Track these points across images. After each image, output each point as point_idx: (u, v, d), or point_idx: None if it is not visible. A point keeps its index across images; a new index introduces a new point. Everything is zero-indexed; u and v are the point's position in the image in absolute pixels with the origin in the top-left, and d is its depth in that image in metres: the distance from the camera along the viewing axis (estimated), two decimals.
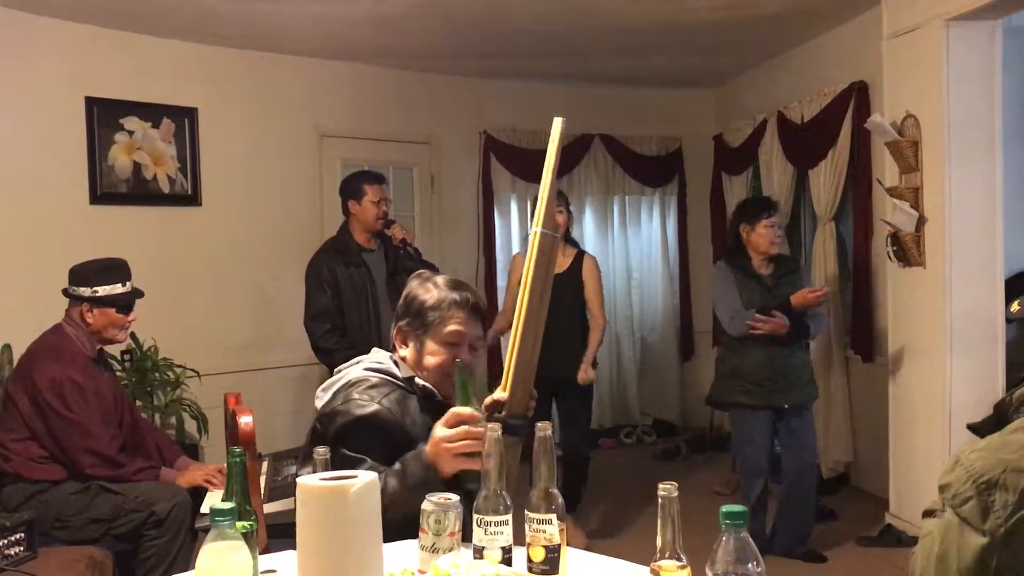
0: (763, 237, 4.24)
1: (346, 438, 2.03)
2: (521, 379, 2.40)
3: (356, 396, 2.10)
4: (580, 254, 4.73)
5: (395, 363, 2.24)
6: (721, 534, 1.28)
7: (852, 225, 5.37)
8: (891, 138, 4.42)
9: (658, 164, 7.17)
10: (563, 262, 4.59)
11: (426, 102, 6.35)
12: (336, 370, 2.32)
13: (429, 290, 2.22)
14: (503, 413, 2.33)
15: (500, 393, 2.36)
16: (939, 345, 4.26)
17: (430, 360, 2.18)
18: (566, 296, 4.53)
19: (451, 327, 2.18)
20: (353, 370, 2.24)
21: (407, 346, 2.23)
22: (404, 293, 2.27)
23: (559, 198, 4.59)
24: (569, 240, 4.72)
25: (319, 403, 2.25)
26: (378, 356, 2.28)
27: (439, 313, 2.18)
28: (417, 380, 2.19)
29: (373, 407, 2.06)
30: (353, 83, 6.02)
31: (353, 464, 1.94)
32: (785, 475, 4.29)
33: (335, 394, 2.19)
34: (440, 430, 1.94)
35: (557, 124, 2.45)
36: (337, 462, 1.99)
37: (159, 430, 4.17)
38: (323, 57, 5.81)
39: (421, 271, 2.33)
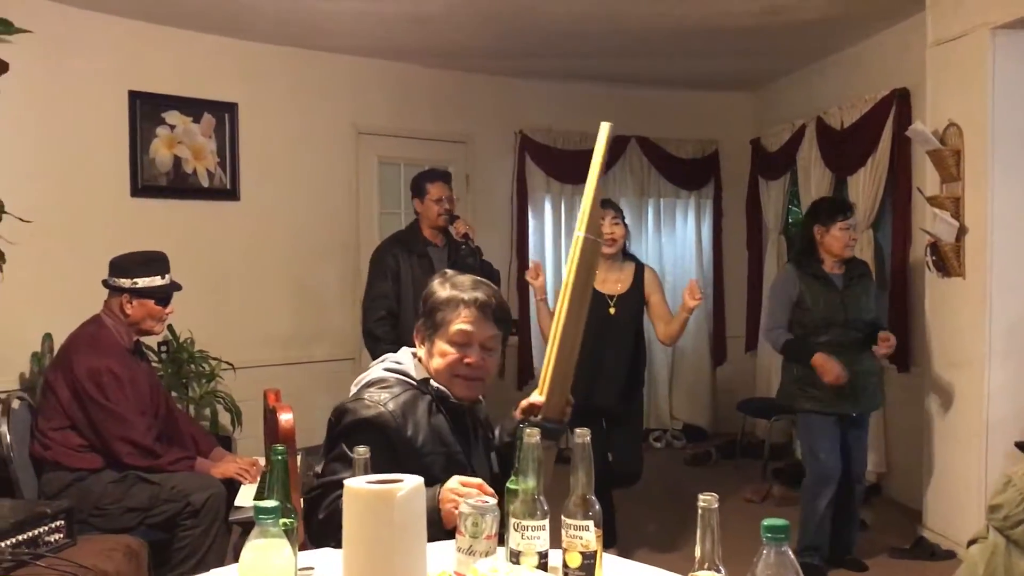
0: (838, 240, 4.09)
1: (349, 436, 2.03)
2: (558, 383, 2.39)
3: (366, 397, 2.10)
4: (640, 267, 4.30)
5: (419, 361, 2.23)
6: (762, 547, 1.27)
7: (890, 233, 5.32)
8: (933, 146, 4.37)
9: (694, 167, 7.13)
10: (623, 280, 4.23)
11: (462, 101, 6.37)
12: (370, 364, 2.34)
13: (444, 288, 2.19)
14: (539, 417, 2.34)
15: (536, 397, 2.36)
16: (978, 357, 4.20)
17: (437, 361, 2.15)
18: (625, 318, 4.19)
19: (457, 327, 2.14)
20: (375, 369, 2.25)
21: (422, 345, 2.21)
22: (424, 293, 2.25)
23: (615, 209, 4.26)
24: (628, 255, 4.32)
25: None
26: (401, 356, 2.27)
27: (446, 313, 2.15)
28: (432, 382, 2.17)
29: (377, 410, 2.05)
30: (391, 81, 6.06)
31: (350, 462, 1.91)
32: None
33: (356, 391, 2.20)
34: (454, 481, 1.90)
35: (604, 129, 2.42)
36: (337, 456, 2.04)
37: (194, 421, 4.22)
38: (362, 55, 5.85)
39: (446, 271, 2.30)
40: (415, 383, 2.18)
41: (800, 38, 5.48)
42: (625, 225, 4.29)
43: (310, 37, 5.45)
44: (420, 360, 2.23)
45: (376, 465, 1.80)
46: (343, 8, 4.84)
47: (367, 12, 4.91)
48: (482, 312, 2.15)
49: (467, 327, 2.14)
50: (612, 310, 4.16)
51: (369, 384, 2.19)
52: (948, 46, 4.38)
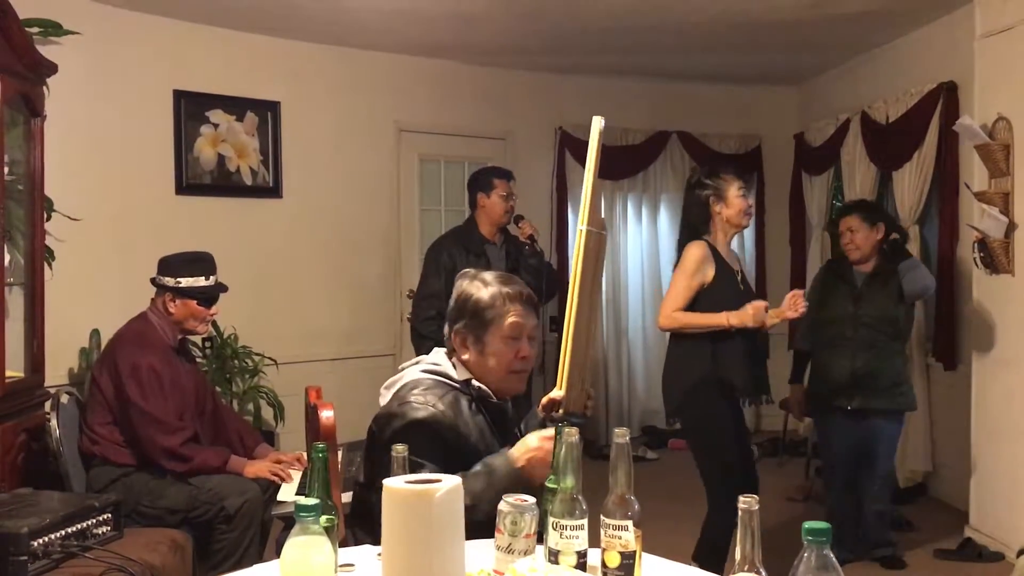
0: (841, 243, 4.30)
1: (404, 440, 1.99)
2: (576, 377, 2.39)
3: (412, 399, 2.10)
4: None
5: (453, 364, 2.24)
6: (803, 549, 1.26)
7: (937, 229, 5.23)
8: (981, 141, 4.29)
9: (736, 162, 7.05)
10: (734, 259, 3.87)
11: (503, 98, 6.38)
12: (400, 367, 2.34)
13: (480, 288, 2.21)
14: (560, 411, 2.34)
15: (556, 392, 2.37)
16: None
17: (492, 361, 2.18)
18: (751, 294, 3.87)
19: (510, 320, 2.17)
20: (411, 371, 2.25)
21: (467, 349, 2.21)
22: (454, 295, 2.26)
23: (747, 184, 3.83)
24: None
25: (382, 400, 2.24)
26: (436, 357, 2.27)
27: (496, 309, 2.17)
28: (473, 383, 2.19)
29: (428, 411, 2.07)
30: (431, 79, 6.08)
31: (414, 468, 1.90)
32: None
33: (393, 396, 2.19)
34: (535, 438, 1.99)
35: (596, 123, 2.42)
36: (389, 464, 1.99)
37: (240, 418, 4.25)
38: (403, 53, 5.88)
39: (467, 270, 2.32)
40: (456, 384, 2.19)
41: (844, 31, 5.40)
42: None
43: (352, 35, 5.48)
44: (460, 362, 2.23)
45: (436, 465, 1.83)
46: (385, 6, 4.86)
47: (409, 10, 4.93)
48: (527, 304, 2.21)
49: (519, 319, 2.18)
50: (742, 287, 3.82)
51: (411, 387, 2.18)
52: (997, 38, 4.29)
